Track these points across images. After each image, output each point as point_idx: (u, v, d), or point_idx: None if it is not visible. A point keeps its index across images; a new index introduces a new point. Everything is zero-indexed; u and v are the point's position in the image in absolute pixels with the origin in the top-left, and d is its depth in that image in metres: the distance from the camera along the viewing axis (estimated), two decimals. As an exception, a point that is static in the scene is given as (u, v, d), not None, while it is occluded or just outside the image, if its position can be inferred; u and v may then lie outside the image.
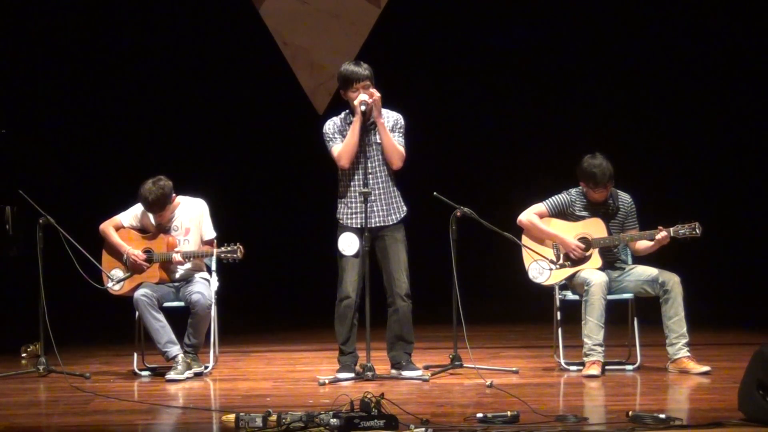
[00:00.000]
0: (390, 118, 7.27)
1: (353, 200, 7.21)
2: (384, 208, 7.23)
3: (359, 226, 7.17)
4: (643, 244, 7.43)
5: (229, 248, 7.39)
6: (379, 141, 7.18)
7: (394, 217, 7.26)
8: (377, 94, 7.10)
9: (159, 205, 7.43)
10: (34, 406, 6.74)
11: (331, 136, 7.24)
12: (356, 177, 7.21)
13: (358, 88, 7.12)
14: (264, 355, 8.62)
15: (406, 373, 7.17)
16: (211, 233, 7.61)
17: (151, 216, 7.57)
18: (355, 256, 7.14)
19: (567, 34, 11.01)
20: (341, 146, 7.17)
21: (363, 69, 7.16)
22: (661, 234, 7.25)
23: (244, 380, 7.45)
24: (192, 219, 7.60)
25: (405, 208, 7.31)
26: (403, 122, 7.28)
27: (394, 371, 7.23)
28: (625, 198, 7.52)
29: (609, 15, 10.91)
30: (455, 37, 11.14)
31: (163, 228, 7.58)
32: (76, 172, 10.94)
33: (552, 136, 10.91)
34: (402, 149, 7.21)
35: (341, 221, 7.26)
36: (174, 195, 7.52)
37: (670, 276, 7.29)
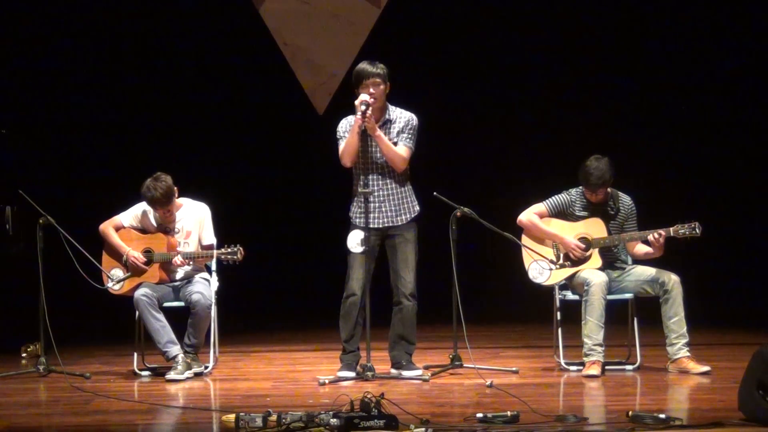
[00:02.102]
0: (402, 119, 7.26)
1: (361, 199, 7.21)
2: (393, 208, 7.22)
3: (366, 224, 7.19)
4: (643, 249, 7.42)
5: (229, 249, 7.39)
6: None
7: (403, 217, 7.25)
8: (369, 112, 7.07)
9: (166, 198, 7.41)
10: (34, 406, 6.74)
11: (341, 134, 7.24)
12: (361, 177, 7.22)
13: (368, 84, 7.12)
14: (264, 355, 8.62)
15: (406, 373, 7.17)
16: (211, 239, 7.60)
17: (151, 216, 7.57)
18: (363, 253, 7.14)
19: (567, 34, 11.01)
20: (343, 145, 7.18)
21: (374, 67, 7.16)
22: (652, 235, 7.24)
23: (244, 380, 7.45)
24: (194, 223, 7.60)
25: (418, 208, 7.29)
26: (415, 123, 7.25)
27: (394, 371, 7.24)
28: (625, 200, 7.52)
29: (609, 15, 10.91)
30: (455, 37, 11.14)
31: (164, 228, 7.57)
32: (76, 172, 10.93)
33: (552, 136, 10.91)
34: (403, 152, 7.18)
35: (351, 218, 7.28)
36: (176, 189, 7.51)
37: (669, 276, 7.29)
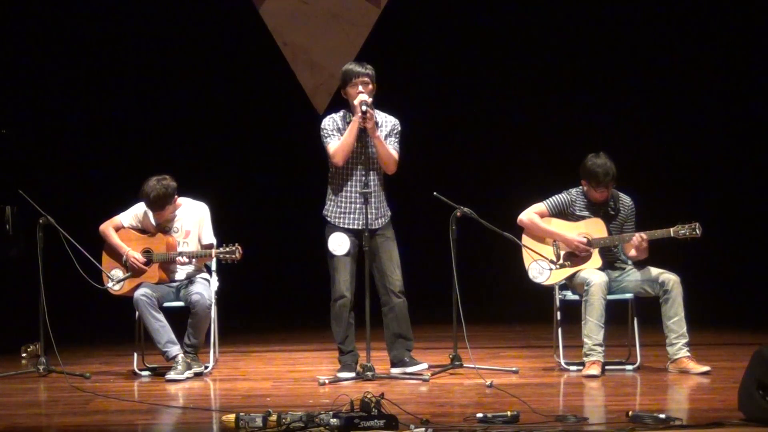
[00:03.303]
0: (388, 123, 7.28)
1: (344, 200, 7.22)
2: (373, 211, 7.22)
3: (348, 226, 7.19)
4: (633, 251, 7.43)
5: (227, 249, 7.39)
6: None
7: (381, 220, 7.28)
8: (371, 111, 7.08)
9: (158, 203, 7.43)
10: (34, 406, 6.74)
11: (329, 132, 7.24)
12: (353, 177, 7.22)
13: (357, 83, 7.13)
14: (264, 355, 8.62)
15: (410, 369, 7.18)
16: (210, 238, 7.61)
17: (151, 216, 7.57)
18: (346, 255, 7.15)
19: (567, 34, 11.01)
20: (338, 144, 7.18)
21: (363, 68, 7.18)
22: (636, 237, 7.23)
23: (244, 380, 7.45)
24: (193, 222, 7.60)
25: (389, 213, 7.33)
26: (400, 128, 7.29)
27: (397, 370, 7.24)
28: (625, 200, 7.51)
29: (608, 14, 10.91)
30: (455, 37, 11.14)
31: (163, 228, 7.58)
32: (76, 172, 10.93)
33: (552, 136, 10.90)
34: (396, 155, 7.22)
35: (328, 219, 7.27)
36: (176, 196, 7.52)
37: (669, 276, 7.29)
